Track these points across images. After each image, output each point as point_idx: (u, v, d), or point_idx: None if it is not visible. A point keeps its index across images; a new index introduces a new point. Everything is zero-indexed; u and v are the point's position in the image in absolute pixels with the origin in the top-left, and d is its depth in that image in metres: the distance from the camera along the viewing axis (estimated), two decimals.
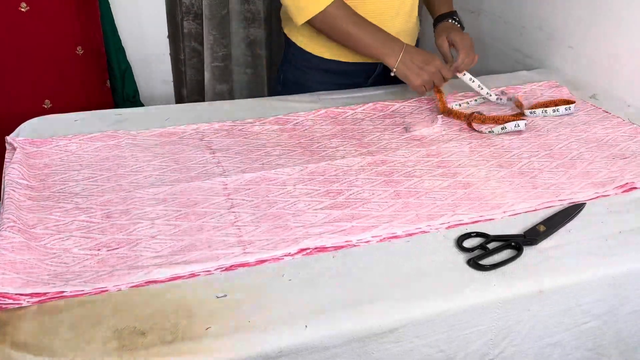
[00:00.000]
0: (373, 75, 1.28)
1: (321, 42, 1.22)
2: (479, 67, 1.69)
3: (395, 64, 1.13)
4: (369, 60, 1.23)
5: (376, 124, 1.13)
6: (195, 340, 0.64)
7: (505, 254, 0.80)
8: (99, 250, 0.77)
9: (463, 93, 1.24)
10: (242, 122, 1.10)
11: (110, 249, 0.77)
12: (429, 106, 1.22)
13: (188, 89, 1.94)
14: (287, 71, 1.31)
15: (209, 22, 1.78)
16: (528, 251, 0.80)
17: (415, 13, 1.28)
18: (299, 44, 1.26)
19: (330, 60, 1.24)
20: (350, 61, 1.23)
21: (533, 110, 1.17)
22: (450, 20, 1.25)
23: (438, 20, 1.27)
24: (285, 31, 1.29)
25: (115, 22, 1.72)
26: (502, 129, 1.09)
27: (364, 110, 1.18)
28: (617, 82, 1.29)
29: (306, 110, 1.17)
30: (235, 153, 1.01)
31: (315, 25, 1.16)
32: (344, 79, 1.26)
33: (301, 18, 1.14)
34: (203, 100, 1.92)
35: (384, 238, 0.82)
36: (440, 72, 1.14)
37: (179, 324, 0.66)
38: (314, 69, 1.26)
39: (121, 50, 1.75)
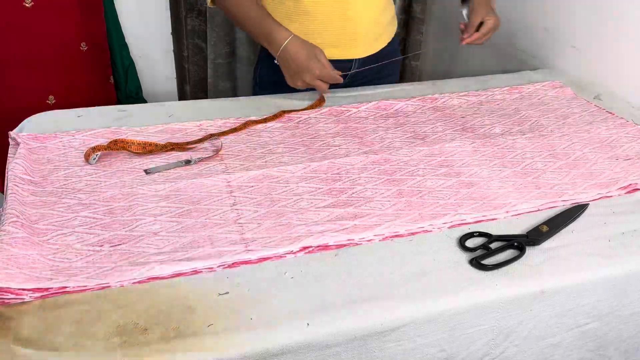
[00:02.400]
0: (349, 73, 1.23)
1: None
2: (483, 66, 1.68)
3: (276, 56, 1.08)
4: (340, 57, 1.19)
5: (379, 123, 1.13)
6: (197, 337, 0.64)
7: (508, 254, 0.80)
8: (101, 246, 0.77)
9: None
10: (245, 119, 1.10)
11: (112, 245, 0.77)
12: (432, 105, 1.21)
13: (191, 85, 1.94)
14: (261, 69, 1.28)
15: (213, 19, 1.78)
16: (530, 251, 0.80)
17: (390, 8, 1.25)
18: None
19: None
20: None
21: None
22: None
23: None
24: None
25: (119, 19, 1.72)
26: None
27: (367, 108, 1.18)
28: (621, 83, 1.28)
29: (305, 105, 1.16)
30: (237, 150, 1.01)
31: (219, 7, 1.13)
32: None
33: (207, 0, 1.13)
34: (206, 97, 1.92)
35: (387, 237, 0.81)
36: (319, 80, 1.08)
37: (181, 321, 0.66)
38: None
39: (125, 47, 1.75)
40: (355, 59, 1.22)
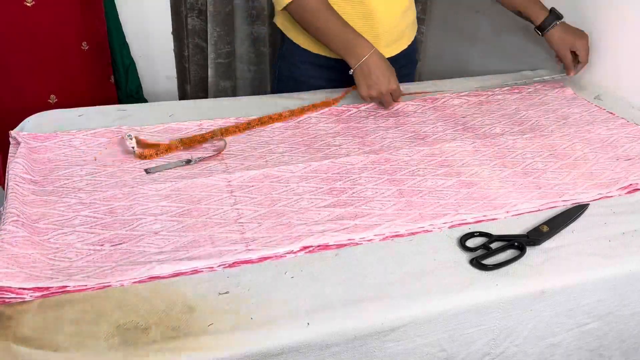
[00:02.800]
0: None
1: (310, 36, 1.21)
2: (483, 67, 1.68)
3: (355, 66, 1.12)
4: None
5: (380, 123, 1.13)
6: (197, 336, 0.64)
7: (508, 254, 0.80)
8: (102, 245, 0.76)
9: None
10: (247, 119, 1.10)
11: (113, 244, 0.77)
12: (432, 105, 1.21)
13: (192, 85, 1.94)
14: (282, 66, 1.30)
15: (213, 18, 1.78)
16: (531, 251, 0.80)
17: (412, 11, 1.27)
18: (292, 38, 1.25)
19: (319, 54, 1.24)
20: (337, 57, 1.21)
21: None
22: (558, 23, 1.24)
23: (545, 24, 1.25)
24: (279, 25, 1.28)
25: (120, 18, 1.72)
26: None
27: (367, 108, 1.18)
28: (622, 83, 1.28)
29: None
30: (238, 150, 1.01)
31: (291, 14, 1.16)
32: (335, 74, 1.25)
33: (279, 5, 1.15)
34: (207, 96, 1.92)
35: (387, 237, 0.82)
36: (390, 95, 1.14)
37: (181, 320, 0.66)
38: (307, 64, 1.26)
39: (125, 46, 1.75)
40: None
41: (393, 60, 1.24)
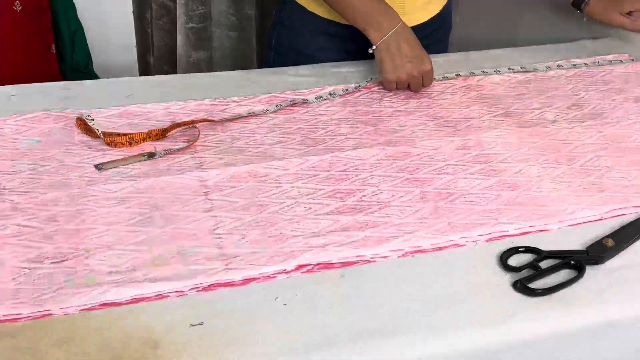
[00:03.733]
0: None
1: None
2: (531, 35, 1.68)
3: (378, 42, 1.13)
4: None
5: (397, 106, 1.13)
6: None
7: (563, 275, 0.80)
8: (41, 262, 0.76)
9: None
10: (225, 101, 1.10)
11: (55, 261, 0.77)
12: (465, 84, 1.21)
13: (155, 56, 1.94)
14: (280, 34, 1.31)
15: None
16: (591, 272, 0.80)
17: None
18: (299, 0, 1.25)
19: (332, 21, 1.24)
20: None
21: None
22: None
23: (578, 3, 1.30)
24: None
25: None
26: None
27: (382, 88, 1.18)
28: None
29: (308, 87, 1.16)
30: (215, 141, 1.01)
31: None
32: (352, 45, 1.25)
33: None
34: (175, 71, 1.92)
35: (407, 252, 0.81)
36: (422, 78, 1.15)
37: (142, 359, 0.66)
38: (314, 32, 1.27)
39: (71, 7, 1.75)
40: None
41: (421, 27, 1.24)
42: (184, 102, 1.09)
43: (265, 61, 1.38)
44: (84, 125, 1.00)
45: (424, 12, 1.28)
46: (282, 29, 1.31)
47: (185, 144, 0.99)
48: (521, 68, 1.27)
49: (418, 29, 1.21)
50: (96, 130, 0.98)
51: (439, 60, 1.29)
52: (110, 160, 0.94)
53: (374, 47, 1.14)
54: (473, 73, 1.24)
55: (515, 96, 1.19)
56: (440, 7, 1.32)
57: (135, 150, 0.97)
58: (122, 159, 0.95)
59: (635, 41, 1.41)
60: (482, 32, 1.94)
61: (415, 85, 1.16)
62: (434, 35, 1.32)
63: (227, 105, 1.10)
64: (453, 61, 1.30)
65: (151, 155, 0.96)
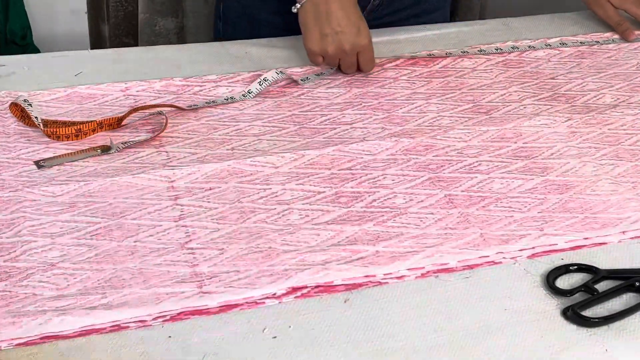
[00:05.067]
0: (369, 4, 1.26)
1: None
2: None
3: (302, 1, 1.11)
4: None
5: (416, 87, 1.13)
6: None
7: (625, 300, 0.80)
8: None
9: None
10: (199, 81, 1.10)
11: None
12: (502, 59, 1.21)
13: (112, 25, 1.94)
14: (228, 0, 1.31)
15: None
16: None
17: None
18: None
19: None
20: None
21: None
22: None
23: None
24: None
25: None
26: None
27: (397, 65, 1.18)
28: None
29: (303, 65, 1.16)
30: (187, 131, 1.01)
31: None
32: None
33: None
34: (136, 43, 1.92)
35: (429, 272, 0.81)
36: (356, 56, 1.12)
37: None
38: None
39: None
40: None
41: None
42: (147, 82, 1.09)
43: (213, 32, 1.37)
44: (20, 111, 1.00)
45: None
46: None
47: (148, 135, 0.99)
48: (574, 42, 1.27)
49: None
50: (34, 119, 0.98)
51: (466, 31, 1.29)
52: (53, 155, 0.94)
53: (298, 5, 1.12)
54: (516, 48, 1.24)
55: (564, 75, 1.19)
56: None
57: (85, 142, 0.97)
58: (68, 154, 0.95)
59: None
60: None
61: (346, 64, 1.13)
62: (423, 5, 1.32)
63: (202, 86, 1.10)
64: (485, 30, 1.30)
65: (106, 150, 0.96)
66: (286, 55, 1.19)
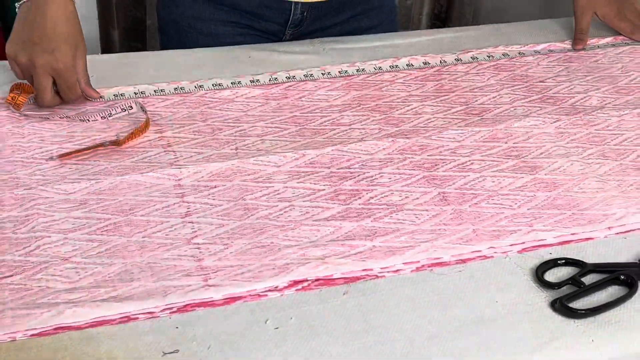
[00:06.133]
0: (290, 20, 1.24)
1: None
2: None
3: (18, 4, 1.00)
4: None
5: (412, 89, 1.13)
6: None
7: (611, 292, 0.80)
8: None
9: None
10: (205, 84, 1.11)
11: (0, 276, 0.77)
12: (493, 63, 1.21)
13: (121, 29, 1.94)
14: (163, 7, 1.28)
15: None
16: None
17: None
18: None
19: None
20: None
21: None
22: None
23: None
24: None
25: None
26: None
27: (392, 66, 1.18)
28: None
29: (307, 67, 1.16)
30: (193, 131, 1.01)
31: None
32: (246, 19, 1.23)
33: None
34: (144, 47, 1.92)
35: (423, 266, 0.82)
36: (51, 78, 0.98)
37: None
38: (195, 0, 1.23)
39: None
40: (295, 1, 1.21)
41: (336, 2, 1.23)
42: (155, 85, 1.09)
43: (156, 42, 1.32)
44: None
45: None
46: (161, 2, 1.28)
47: (130, 126, 0.99)
48: (562, 48, 1.27)
49: (321, 6, 1.21)
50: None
51: (459, 36, 1.29)
52: (68, 151, 0.94)
53: (18, 4, 1.00)
54: (507, 55, 1.24)
55: (553, 78, 1.19)
56: None
57: (89, 134, 0.97)
58: (79, 150, 0.95)
59: None
60: (513, 1, 1.95)
61: (36, 83, 0.98)
62: (359, 14, 1.29)
63: (206, 88, 1.10)
64: (478, 36, 1.30)
65: (114, 143, 0.96)
66: (291, 59, 1.19)
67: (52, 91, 0.99)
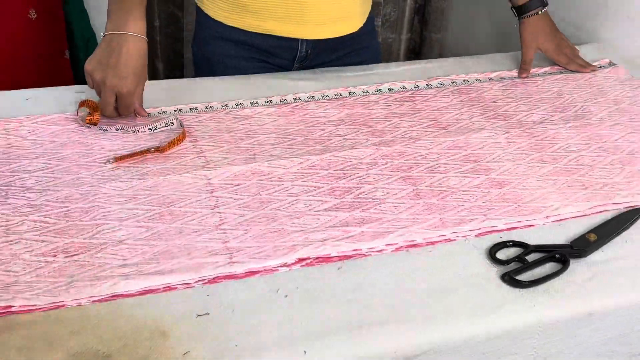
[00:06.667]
0: (297, 56, 1.23)
1: (220, 3, 1.17)
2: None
3: (106, 32, 0.99)
4: (282, 34, 1.17)
5: (392, 108, 1.13)
6: None
7: (548, 267, 0.80)
8: (54, 256, 0.77)
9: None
10: (230, 104, 1.10)
11: (68, 255, 0.77)
12: (456, 88, 1.21)
13: (164, 62, 1.94)
14: (196, 45, 1.28)
15: None
16: (575, 265, 0.80)
17: None
18: (200, 5, 1.22)
19: (234, 28, 1.18)
20: (256, 31, 1.17)
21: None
22: (534, 13, 1.25)
23: (520, 12, 1.26)
24: None
25: None
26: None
27: (377, 90, 1.18)
28: None
29: (310, 90, 1.16)
30: (221, 141, 1.01)
31: None
32: (262, 55, 1.22)
33: None
34: (182, 75, 1.92)
35: (401, 247, 0.82)
36: (115, 98, 0.98)
37: (151, 347, 0.66)
38: (222, 40, 1.21)
39: (84, 15, 1.75)
40: (302, 40, 1.20)
41: (332, 44, 1.22)
42: (191, 105, 1.09)
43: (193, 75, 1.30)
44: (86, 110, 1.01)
45: (332, 28, 1.20)
46: (196, 39, 1.27)
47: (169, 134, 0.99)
48: (510, 76, 1.27)
49: (325, 44, 1.20)
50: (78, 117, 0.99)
51: (430, 67, 1.29)
52: (121, 156, 0.94)
53: (103, 34, 1.00)
54: (467, 81, 1.24)
55: (503, 99, 1.19)
56: (351, 31, 1.23)
57: (136, 140, 0.97)
58: (133, 155, 0.95)
59: (618, 47, 1.41)
60: (473, 39, 1.94)
61: (103, 99, 0.98)
62: (352, 52, 1.27)
63: (231, 107, 1.09)
64: (444, 66, 1.30)
65: (158, 150, 0.96)
66: (297, 85, 1.19)
67: (113, 106, 1.00)
